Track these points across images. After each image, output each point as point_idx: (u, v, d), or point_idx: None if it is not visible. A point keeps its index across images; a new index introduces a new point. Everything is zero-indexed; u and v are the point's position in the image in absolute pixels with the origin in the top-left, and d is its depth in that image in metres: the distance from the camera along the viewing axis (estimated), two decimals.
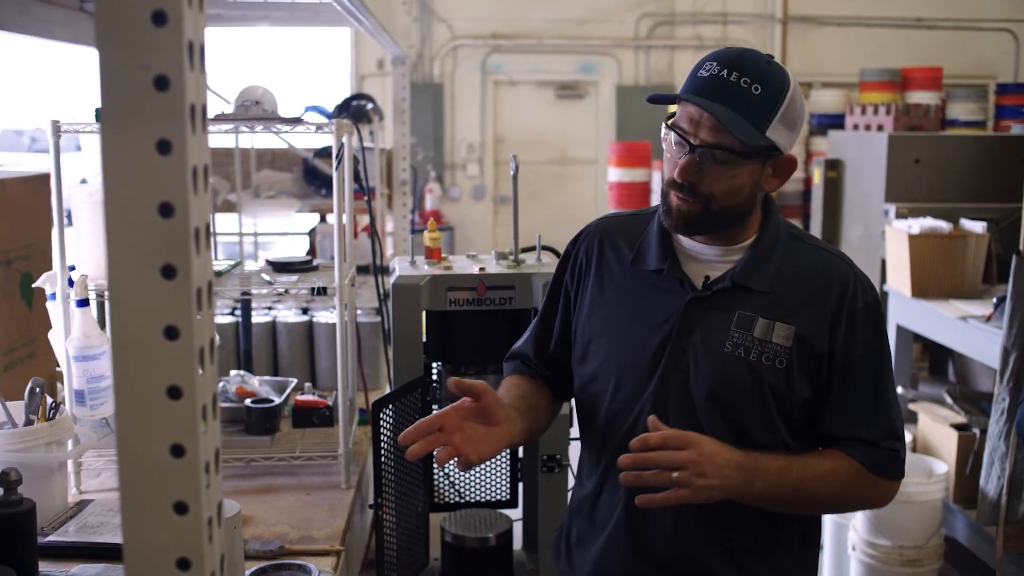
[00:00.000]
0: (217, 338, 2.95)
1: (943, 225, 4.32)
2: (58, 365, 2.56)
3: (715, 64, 1.66)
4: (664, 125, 1.75)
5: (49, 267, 2.57)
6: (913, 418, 4.37)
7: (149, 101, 0.82)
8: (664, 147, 1.76)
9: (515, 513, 2.83)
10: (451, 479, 2.88)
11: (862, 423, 1.75)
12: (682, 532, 1.77)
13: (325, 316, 3.37)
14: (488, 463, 2.80)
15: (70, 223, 2.50)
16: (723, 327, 1.73)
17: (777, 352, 1.71)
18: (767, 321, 1.72)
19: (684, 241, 1.81)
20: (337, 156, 2.47)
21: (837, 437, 1.76)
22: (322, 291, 2.60)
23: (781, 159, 1.73)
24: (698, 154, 1.66)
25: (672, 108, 1.76)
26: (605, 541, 1.84)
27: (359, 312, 3.30)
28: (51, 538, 2.05)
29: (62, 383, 2.48)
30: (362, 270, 3.56)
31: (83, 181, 7.57)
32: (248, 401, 2.71)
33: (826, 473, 1.72)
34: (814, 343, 1.72)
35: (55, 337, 2.48)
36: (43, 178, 2.70)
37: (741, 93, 1.63)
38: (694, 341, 1.74)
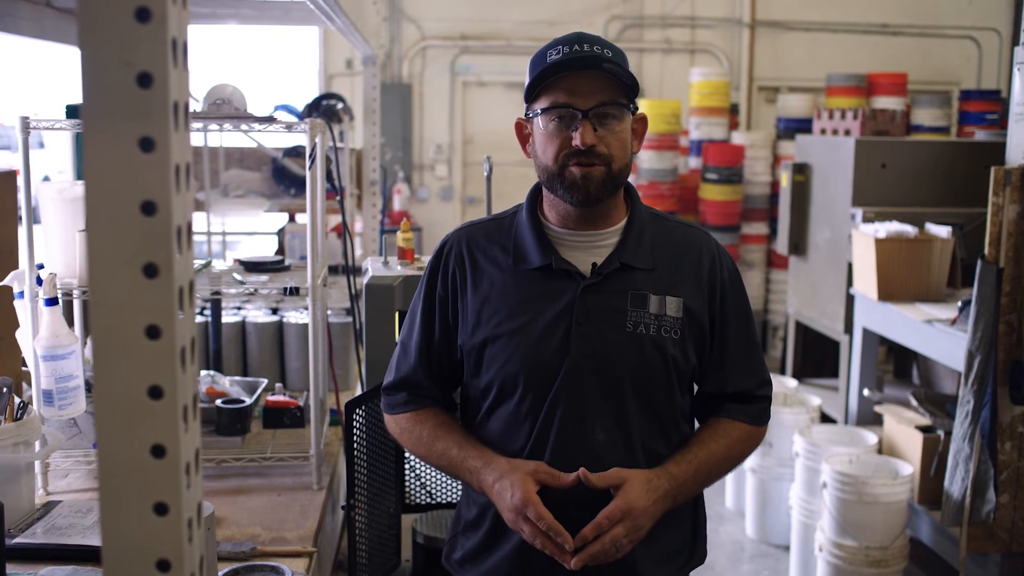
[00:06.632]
0: None
1: (909, 229, 4.37)
2: (25, 364, 2.53)
3: (562, 47, 1.75)
4: (529, 115, 1.81)
5: (16, 265, 2.54)
6: (879, 420, 4.42)
7: (132, 98, 0.81)
8: (538, 137, 1.80)
9: None
10: (422, 480, 2.87)
11: (741, 378, 1.91)
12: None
13: (295, 316, 3.35)
14: None
15: (37, 221, 2.47)
16: (620, 308, 1.79)
17: (672, 324, 1.80)
18: (658, 296, 1.80)
19: (560, 232, 1.85)
20: (310, 156, 2.46)
21: (718, 395, 1.91)
22: (294, 291, 2.59)
23: (639, 116, 1.84)
24: (591, 116, 1.73)
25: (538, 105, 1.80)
26: (522, 541, 1.77)
27: (329, 312, 3.29)
28: (18, 540, 2.02)
29: (29, 383, 2.45)
30: (330, 270, 3.54)
31: (46, 178, 7.49)
32: (219, 402, 2.69)
33: (724, 453, 1.87)
34: (698, 312, 1.83)
35: (23, 336, 2.45)
36: (8, 175, 2.67)
37: (601, 55, 1.73)
38: (596, 327, 1.78)
